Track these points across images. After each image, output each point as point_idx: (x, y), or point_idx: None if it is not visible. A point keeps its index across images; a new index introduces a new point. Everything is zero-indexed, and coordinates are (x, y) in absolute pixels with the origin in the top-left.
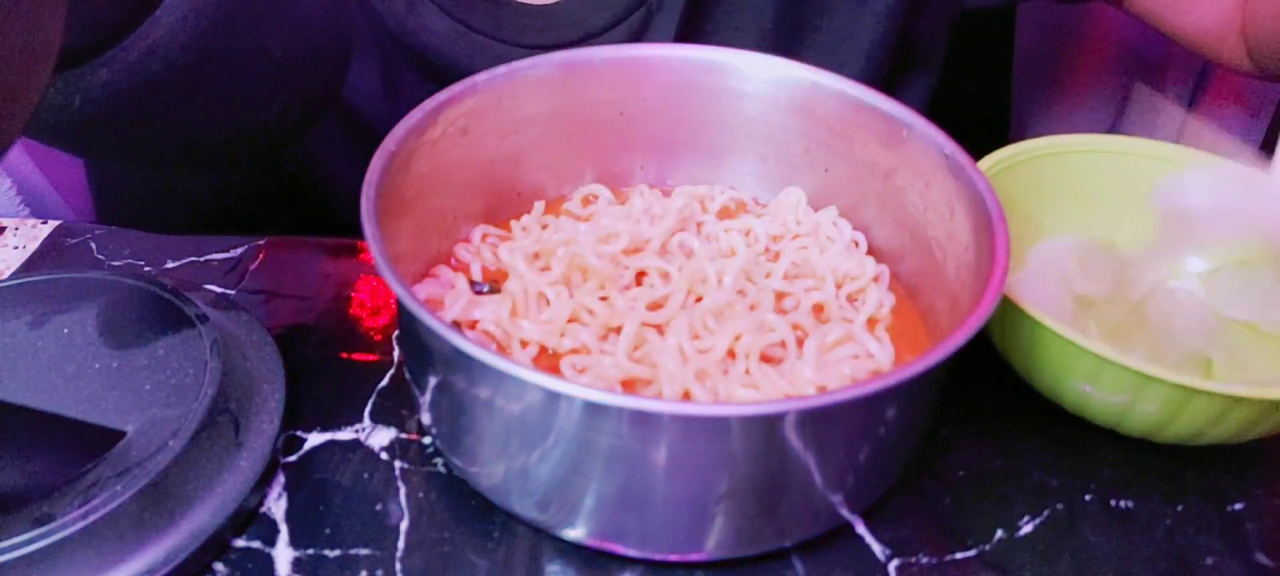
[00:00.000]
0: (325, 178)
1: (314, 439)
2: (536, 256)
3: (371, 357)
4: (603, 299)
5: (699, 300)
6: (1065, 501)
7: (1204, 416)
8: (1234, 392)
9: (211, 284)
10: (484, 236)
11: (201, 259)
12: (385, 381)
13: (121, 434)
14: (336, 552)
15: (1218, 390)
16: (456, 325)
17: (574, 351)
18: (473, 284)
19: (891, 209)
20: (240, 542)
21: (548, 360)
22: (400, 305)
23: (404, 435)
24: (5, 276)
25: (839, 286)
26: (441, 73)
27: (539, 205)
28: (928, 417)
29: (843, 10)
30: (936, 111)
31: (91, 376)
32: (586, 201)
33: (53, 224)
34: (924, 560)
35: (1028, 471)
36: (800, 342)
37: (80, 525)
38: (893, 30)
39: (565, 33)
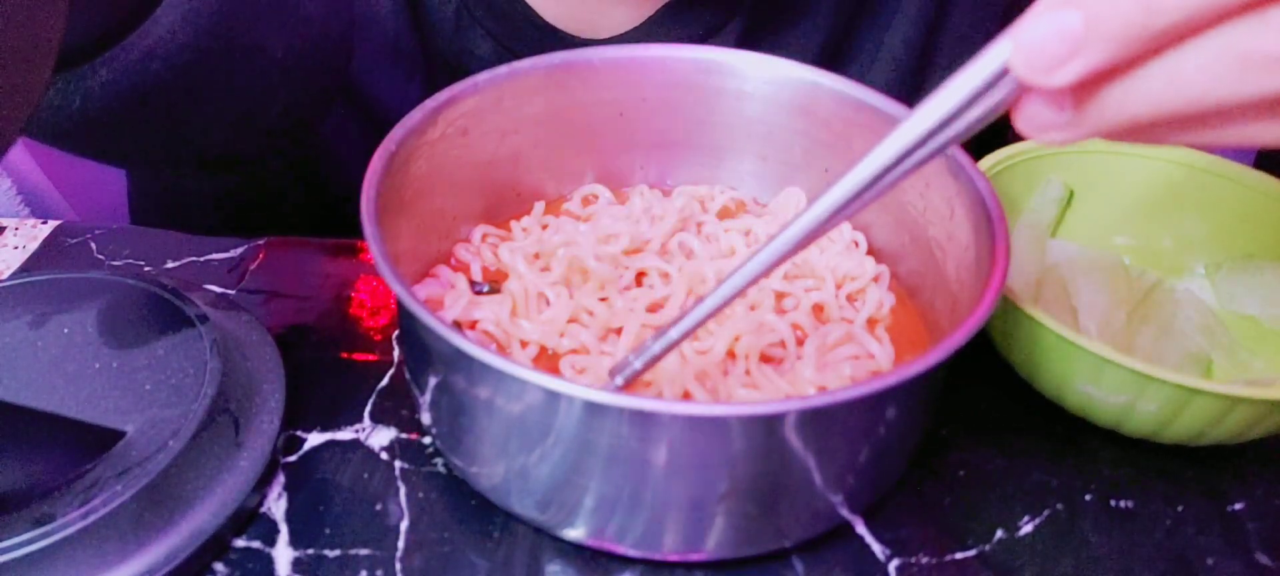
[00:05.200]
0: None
1: (314, 439)
2: (536, 257)
3: (371, 357)
4: (602, 300)
5: (699, 300)
6: (1065, 501)
7: (1204, 416)
8: (1234, 393)
9: (211, 284)
10: (484, 236)
11: (201, 259)
12: (385, 381)
13: (121, 434)
14: (336, 552)
15: (1218, 390)
16: (456, 325)
17: (574, 352)
18: (473, 284)
19: (891, 209)
20: (240, 542)
21: (547, 360)
22: (400, 305)
23: (404, 435)
24: (5, 276)
25: (839, 286)
26: None
27: (539, 205)
28: (928, 417)
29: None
30: None
31: (91, 376)
32: (586, 202)
33: (53, 224)
34: (924, 560)
35: (1028, 471)
36: (800, 343)
37: (80, 525)
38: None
39: None
